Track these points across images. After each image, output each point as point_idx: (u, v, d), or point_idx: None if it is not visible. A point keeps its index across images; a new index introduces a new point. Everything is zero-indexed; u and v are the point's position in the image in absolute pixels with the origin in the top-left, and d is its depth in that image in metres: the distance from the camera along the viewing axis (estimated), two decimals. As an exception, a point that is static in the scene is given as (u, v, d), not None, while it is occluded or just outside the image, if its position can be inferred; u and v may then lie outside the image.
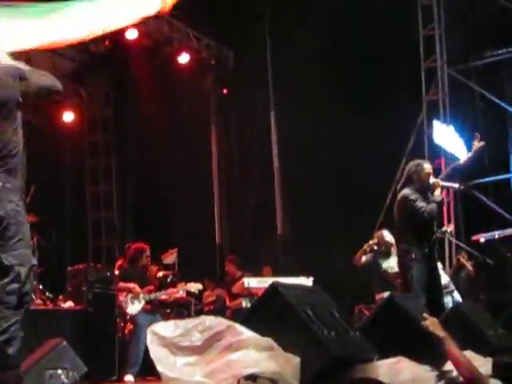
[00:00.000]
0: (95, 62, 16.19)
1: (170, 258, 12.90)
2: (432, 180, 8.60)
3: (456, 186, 10.10)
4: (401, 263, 8.55)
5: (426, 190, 8.54)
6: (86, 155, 17.55)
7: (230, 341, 4.38)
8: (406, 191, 8.51)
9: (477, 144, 9.05)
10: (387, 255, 10.73)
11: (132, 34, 14.29)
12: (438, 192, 8.54)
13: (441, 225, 12.06)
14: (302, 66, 15.06)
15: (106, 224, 17.45)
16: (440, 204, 8.76)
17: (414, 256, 8.29)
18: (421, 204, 8.34)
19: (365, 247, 11.02)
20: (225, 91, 17.05)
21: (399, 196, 8.65)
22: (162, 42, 15.42)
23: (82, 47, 14.31)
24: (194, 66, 16.00)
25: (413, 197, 8.40)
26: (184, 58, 15.63)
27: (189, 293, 11.43)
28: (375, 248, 10.92)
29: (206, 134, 17.15)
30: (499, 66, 15.64)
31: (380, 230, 11.33)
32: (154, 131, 16.76)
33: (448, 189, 9.97)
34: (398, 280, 9.54)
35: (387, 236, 10.72)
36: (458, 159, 9.81)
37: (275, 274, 13.07)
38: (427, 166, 8.70)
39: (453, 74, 14.66)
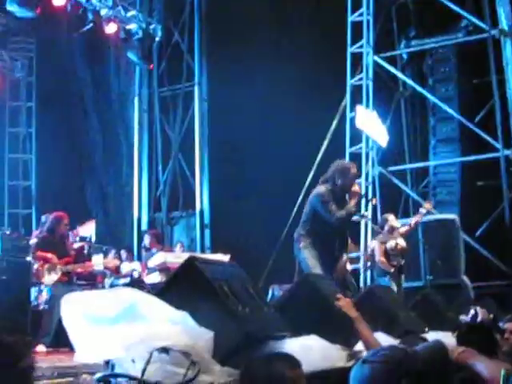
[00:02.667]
0: (21, 27, 15.83)
1: (87, 229, 12.81)
2: (354, 188, 8.34)
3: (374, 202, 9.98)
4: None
5: (343, 194, 8.35)
6: (7, 121, 17.26)
7: (144, 313, 4.37)
8: (322, 189, 8.27)
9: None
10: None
11: (59, 1, 13.97)
12: (353, 202, 8.28)
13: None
14: (231, 42, 15.08)
15: (24, 192, 17.26)
16: (351, 215, 8.53)
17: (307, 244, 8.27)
18: (333, 207, 8.12)
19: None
20: (151, 65, 16.89)
21: (315, 190, 8.44)
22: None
23: (8, 11, 13.96)
24: (121, 36, 15.78)
25: (326, 198, 8.16)
26: (111, 28, 15.35)
27: (105, 267, 11.37)
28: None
29: (130, 105, 17.04)
30: (424, 56, 15.90)
31: None
32: (78, 100, 16.57)
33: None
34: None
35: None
36: (379, 145, 9.84)
37: (192, 250, 13.08)
38: (354, 172, 8.42)
39: (378, 61, 14.79)
